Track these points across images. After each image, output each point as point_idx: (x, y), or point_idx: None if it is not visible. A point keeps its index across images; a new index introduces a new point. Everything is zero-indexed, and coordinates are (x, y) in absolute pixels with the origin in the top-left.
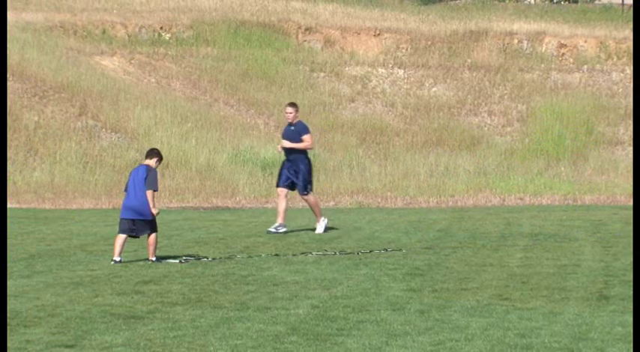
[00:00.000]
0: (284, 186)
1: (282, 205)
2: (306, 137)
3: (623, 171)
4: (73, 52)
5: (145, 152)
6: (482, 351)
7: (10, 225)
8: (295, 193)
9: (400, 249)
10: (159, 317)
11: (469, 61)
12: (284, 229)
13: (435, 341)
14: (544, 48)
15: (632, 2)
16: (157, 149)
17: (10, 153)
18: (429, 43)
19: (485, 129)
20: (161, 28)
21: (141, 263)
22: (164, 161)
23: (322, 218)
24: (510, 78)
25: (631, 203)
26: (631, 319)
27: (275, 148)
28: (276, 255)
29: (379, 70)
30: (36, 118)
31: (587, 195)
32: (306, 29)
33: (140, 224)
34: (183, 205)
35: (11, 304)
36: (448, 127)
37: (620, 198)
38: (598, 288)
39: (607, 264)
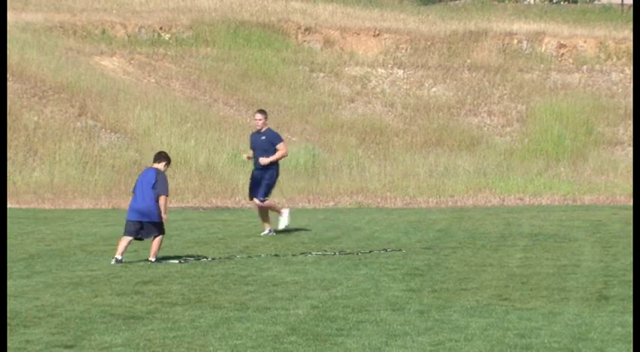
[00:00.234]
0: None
1: (262, 212)
2: (280, 146)
3: (622, 171)
4: (73, 52)
5: (153, 155)
6: (482, 351)
7: (10, 226)
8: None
9: (400, 249)
10: (158, 317)
11: (469, 61)
12: (272, 233)
13: (435, 342)
14: (543, 48)
15: (631, 2)
16: (164, 152)
17: (9, 154)
18: (429, 43)
19: (485, 129)
20: (161, 28)
21: (141, 263)
22: None
23: (286, 209)
24: (510, 78)
25: (630, 203)
26: (631, 319)
27: (242, 157)
28: (276, 255)
29: (379, 70)
30: (35, 118)
31: (587, 195)
32: (306, 29)
33: (148, 226)
34: (183, 205)
35: (11, 304)
36: (448, 127)
37: (619, 198)
38: (598, 288)
39: (607, 264)
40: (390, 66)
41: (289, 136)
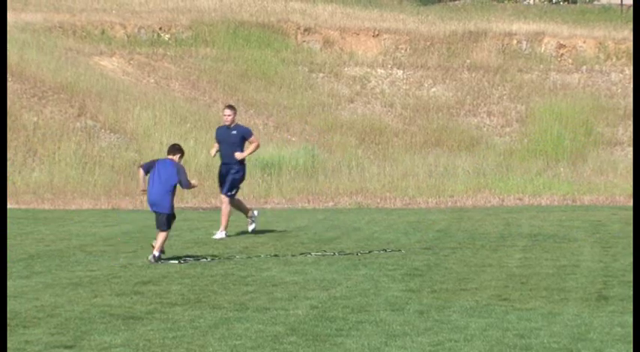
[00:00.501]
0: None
1: (241, 206)
2: (253, 139)
3: (622, 171)
4: (72, 52)
5: (168, 147)
6: (481, 351)
7: (10, 226)
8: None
9: (399, 250)
10: (158, 317)
11: (468, 61)
12: (254, 225)
13: (434, 342)
14: (543, 48)
15: (631, 2)
16: (178, 145)
17: (9, 154)
18: (428, 43)
19: (485, 129)
20: (160, 28)
21: (140, 263)
22: None
23: (225, 231)
24: (509, 78)
25: (630, 203)
26: (630, 319)
27: (210, 153)
28: (276, 255)
29: (378, 70)
30: (35, 119)
31: (587, 195)
32: (305, 30)
33: (158, 217)
34: (182, 206)
35: (10, 305)
36: (447, 128)
37: (619, 198)
38: (597, 289)
39: (606, 264)
40: (389, 66)
41: (289, 136)
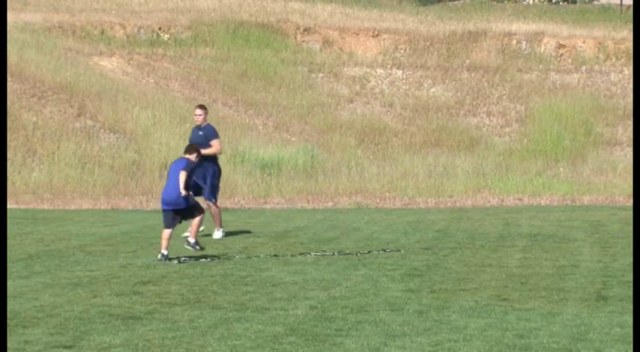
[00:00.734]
0: (197, 195)
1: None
2: (214, 142)
3: (621, 171)
4: (72, 52)
5: (185, 147)
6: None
7: (9, 226)
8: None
9: (399, 250)
10: (157, 317)
11: (468, 61)
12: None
13: (434, 342)
14: (543, 48)
15: (631, 2)
16: (195, 144)
17: (8, 154)
18: (428, 43)
19: (484, 129)
20: (160, 28)
21: (139, 263)
22: (163, 161)
23: (222, 228)
24: (509, 78)
25: (629, 203)
26: (630, 319)
27: None
28: (275, 255)
29: (378, 70)
30: (34, 119)
31: (586, 195)
32: (305, 30)
33: (181, 211)
34: None
35: (10, 305)
36: (447, 128)
37: (618, 198)
38: (596, 289)
39: (605, 264)
40: (389, 66)
41: (288, 136)
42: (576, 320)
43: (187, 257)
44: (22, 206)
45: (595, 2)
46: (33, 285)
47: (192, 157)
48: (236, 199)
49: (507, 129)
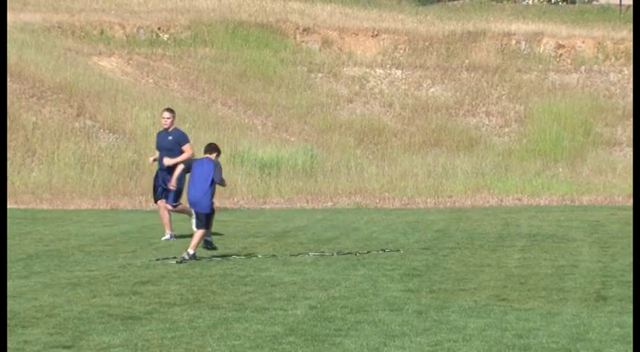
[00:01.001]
0: (162, 198)
1: (165, 215)
2: (186, 147)
3: (621, 171)
4: (71, 52)
5: (204, 147)
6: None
7: (8, 226)
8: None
9: (398, 250)
10: (157, 317)
11: (467, 61)
12: (173, 238)
13: (433, 342)
14: (542, 48)
15: (630, 2)
16: (214, 144)
17: (8, 154)
18: (427, 43)
19: (483, 129)
20: (159, 28)
21: (139, 263)
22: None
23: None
24: (508, 78)
25: (629, 203)
26: (629, 319)
27: (148, 161)
28: (274, 255)
29: (377, 70)
30: (34, 119)
31: (585, 195)
32: (304, 30)
33: (202, 217)
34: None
35: (9, 305)
36: (446, 128)
37: (617, 198)
38: (596, 289)
39: (605, 264)
40: (388, 66)
41: (288, 136)
42: (575, 320)
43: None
44: (21, 206)
45: (594, 2)
46: (32, 285)
47: (213, 156)
48: (235, 199)
49: (506, 129)
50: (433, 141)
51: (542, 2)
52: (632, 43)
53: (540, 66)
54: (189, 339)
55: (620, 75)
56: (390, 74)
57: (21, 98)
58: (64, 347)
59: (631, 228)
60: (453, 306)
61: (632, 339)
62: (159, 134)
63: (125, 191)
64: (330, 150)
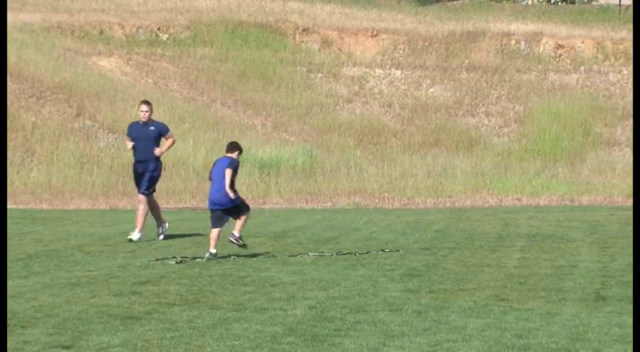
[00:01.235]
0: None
1: (156, 211)
2: (169, 134)
3: (620, 171)
4: (71, 52)
5: (226, 145)
6: None
7: (8, 226)
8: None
9: (398, 250)
10: (156, 317)
11: (466, 61)
12: (162, 236)
13: (433, 342)
14: (541, 49)
15: (629, 3)
16: (236, 142)
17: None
18: (427, 43)
19: (483, 129)
20: (158, 28)
21: (138, 263)
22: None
23: (140, 233)
24: (508, 79)
25: (628, 203)
26: (628, 320)
27: (127, 147)
28: (274, 255)
29: (376, 70)
30: (33, 119)
31: (585, 195)
32: (304, 30)
33: (231, 210)
34: (181, 206)
35: (9, 305)
36: (445, 128)
37: (617, 198)
38: (595, 289)
39: (604, 264)
40: (387, 66)
41: (287, 136)
42: (575, 320)
43: (186, 257)
44: (20, 206)
45: (594, 2)
46: (32, 285)
47: (234, 155)
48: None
49: (506, 130)
50: (433, 141)
51: (541, 2)
52: (631, 43)
53: (540, 66)
54: (188, 339)
55: (619, 75)
56: (389, 74)
57: (20, 98)
58: (64, 347)
59: (630, 228)
60: (452, 306)
61: (631, 339)
62: (133, 125)
63: (124, 191)
64: (330, 150)
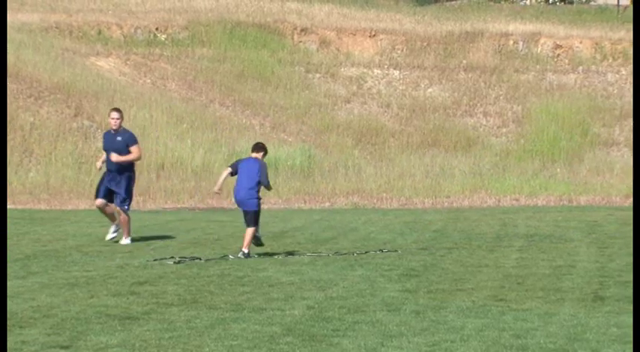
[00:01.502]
0: (103, 198)
1: (109, 210)
2: (134, 148)
3: (618, 171)
4: (69, 52)
5: (252, 146)
6: None
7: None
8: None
9: (396, 250)
10: (154, 318)
11: (464, 62)
12: (116, 234)
13: (431, 342)
14: (539, 49)
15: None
16: (262, 143)
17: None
18: (425, 43)
19: (481, 130)
20: (157, 28)
21: (136, 264)
22: (160, 161)
23: (130, 237)
24: (506, 79)
25: (626, 204)
26: (626, 320)
27: (95, 166)
28: (272, 255)
29: (375, 70)
30: (31, 119)
31: (583, 195)
32: (302, 30)
33: (245, 214)
34: (179, 206)
35: (7, 305)
36: (444, 128)
37: (615, 198)
38: (593, 289)
39: (602, 264)
40: (386, 66)
41: (285, 137)
42: (573, 320)
43: (184, 257)
44: (18, 206)
45: (592, 3)
46: (30, 285)
47: (260, 156)
48: (233, 199)
49: (504, 130)
50: (431, 141)
51: (539, 2)
52: (629, 44)
53: (538, 66)
54: (186, 339)
55: (617, 75)
56: (387, 74)
57: (18, 98)
58: (62, 348)
59: (628, 228)
60: (450, 306)
61: (629, 339)
62: (106, 134)
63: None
64: (328, 150)
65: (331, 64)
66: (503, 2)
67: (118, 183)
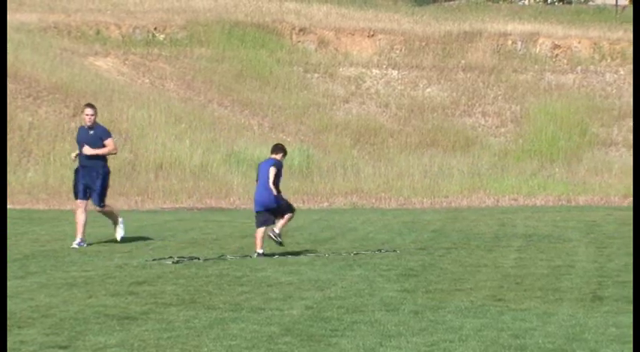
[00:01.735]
0: (84, 198)
1: (82, 218)
2: (109, 141)
3: (617, 171)
4: (67, 52)
5: (271, 147)
6: None
7: None
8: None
9: (394, 250)
10: (153, 317)
11: (463, 61)
12: (84, 244)
13: (429, 342)
14: (538, 49)
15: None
16: (281, 144)
17: None
18: (423, 43)
19: (480, 129)
20: (155, 28)
21: (135, 263)
22: (158, 161)
23: (120, 223)
24: (504, 79)
25: (625, 204)
26: (625, 320)
27: (70, 157)
28: (270, 255)
29: (373, 70)
30: (30, 119)
31: (581, 195)
32: (300, 30)
33: (275, 210)
34: (177, 206)
35: None
36: (442, 128)
37: (614, 198)
38: (592, 289)
39: (601, 264)
40: (384, 66)
41: (284, 136)
42: (572, 320)
43: (182, 257)
44: (17, 206)
45: (590, 3)
46: (28, 285)
47: (279, 157)
48: (232, 199)
49: (503, 130)
50: (429, 141)
51: (538, 2)
52: (627, 44)
53: (536, 66)
54: (185, 339)
55: (616, 75)
56: (386, 74)
57: (17, 98)
58: (60, 348)
59: (627, 228)
60: (449, 306)
61: (627, 339)
62: (80, 129)
63: (121, 191)
64: (327, 150)
65: (330, 64)
66: (501, 2)
67: (92, 178)
